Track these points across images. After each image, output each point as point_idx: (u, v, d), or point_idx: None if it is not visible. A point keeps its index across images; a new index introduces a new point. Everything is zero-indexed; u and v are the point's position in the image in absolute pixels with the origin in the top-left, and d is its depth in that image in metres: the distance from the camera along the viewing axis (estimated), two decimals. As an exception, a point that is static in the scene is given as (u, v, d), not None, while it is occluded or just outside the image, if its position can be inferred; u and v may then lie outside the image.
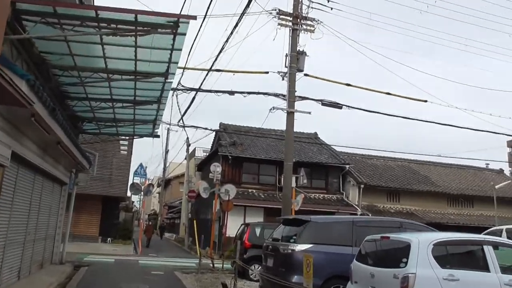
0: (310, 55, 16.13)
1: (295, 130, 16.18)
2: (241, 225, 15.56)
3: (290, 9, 16.07)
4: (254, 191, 23.02)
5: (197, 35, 15.05)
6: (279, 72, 16.31)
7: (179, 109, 37.93)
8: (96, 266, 14.18)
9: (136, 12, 6.31)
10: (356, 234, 8.02)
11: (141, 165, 24.10)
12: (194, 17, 6.42)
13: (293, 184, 16.25)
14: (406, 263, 5.57)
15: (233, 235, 17.37)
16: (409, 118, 18.37)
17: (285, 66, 16.17)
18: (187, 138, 29.90)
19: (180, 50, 7.89)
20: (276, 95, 16.65)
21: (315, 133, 28.57)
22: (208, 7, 12.40)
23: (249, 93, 17.06)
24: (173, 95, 19.19)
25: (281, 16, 16.00)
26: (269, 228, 13.25)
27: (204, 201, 23.49)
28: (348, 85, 17.30)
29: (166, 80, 9.62)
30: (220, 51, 14.41)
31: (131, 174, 25.92)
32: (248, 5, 12.97)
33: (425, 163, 29.15)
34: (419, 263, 5.48)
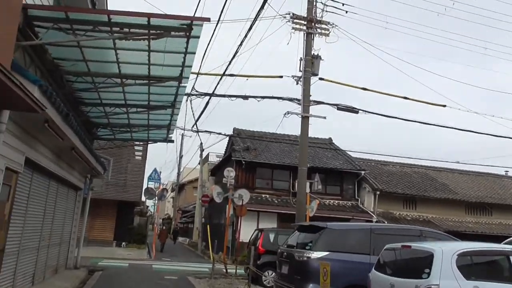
0: (325, 59, 15.98)
1: (309, 135, 15.99)
2: (255, 230, 15.41)
3: (304, 13, 15.97)
4: (267, 196, 22.85)
5: (210, 40, 15.03)
6: (293, 77, 16.15)
7: (193, 114, 38.22)
8: (110, 270, 14.20)
9: (149, 16, 6.25)
10: (374, 242, 7.80)
11: (155, 170, 24.22)
12: (208, 19, 6.32)
13: (307, 190, 16.02)
14: (428, 274, 5.33)
15: (246, 240, 17.23)
16: (427, 124, 18.05)
17: (300, 70, 16.03)
18: (201, 143, 29.95)
19: (194, 53, 7.81)
20: (291, 99, 16.49)
21: (330, 139, 28.28)
22: (221, 12, 12.33)
23: (263, 97, 16.94)
24: (187, 101, 19.26)
25: (295, 20, 15.88)
26: (283, 234, 13.10)
27: (217, 206, 23.40)
28: (365, 89, 17.05)
29: (180, 85, 9.54)
30: (234, 56, 14.33)
31: (146, 179, 26.05)
32: (262, 8, 12.84)
33: (443, 169, 28.52)
34: (443, 274, 5.24)
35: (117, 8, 18.12)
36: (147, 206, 45.62)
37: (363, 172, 24.25)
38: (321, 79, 16.42)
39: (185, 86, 9.85)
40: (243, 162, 22.57)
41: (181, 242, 40.00)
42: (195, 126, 22.35)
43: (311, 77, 15.85)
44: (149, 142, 18.76)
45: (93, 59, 8.26)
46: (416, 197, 24.51)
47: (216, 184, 26.76)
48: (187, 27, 6.51)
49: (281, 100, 17.09)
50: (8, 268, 7.33)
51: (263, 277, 12.33)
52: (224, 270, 14.83)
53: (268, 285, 12.18)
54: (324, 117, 16.21)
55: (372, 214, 22.77)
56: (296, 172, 16.20)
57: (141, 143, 22.14)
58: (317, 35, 16.12)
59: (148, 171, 26.95)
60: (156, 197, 23.08)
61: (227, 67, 16.32)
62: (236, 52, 13.63)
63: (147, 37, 6.73)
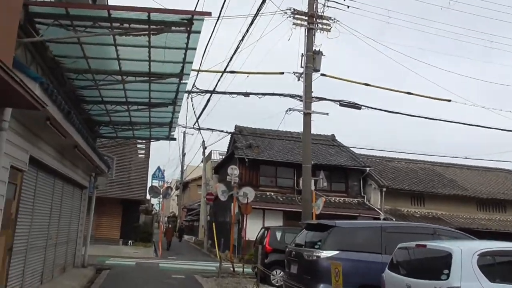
0: (326, 55, 15.81)
1: (312, 132, 15.84)
2: (261, 228, 15.26)
3: (305, 8, 15.80)
4: (272, 194, 22.70)
5: (210, 37, 15.00)
6: (294, 73, 16.01)
7: (194, 112, 38.15)
8: (117, 269, 14.15)
9: (149, 11, 6.13)
10: (386, 241, 7.56)
11: (159, 168, 24.11)
12: (209, 13, 6.20)
13: (312, 187, 15.88)
14: (448, 275, 5.06)
15: (252, 239, 17.12)
16: (431, 119, 17.81)
17: (301, 66, 15.88)
18: (203, 141, 29.84)
19: (195, 49, 7.68)
20: (292, 96, 16.34)
21: (333, 135, 28.03)
22: (222, 7, 12.21)
23: (264, 94, 16.81)
24: (188, 98, 19.14)
25: (296, 16, 15.71)
26: (290, 232, 12.94)
27: (222, 203, 23.32)
28: (367, 84, 16.89)
29: (181, 81, 9.42)
30: (235, 51, 14.22)
31: (149, 177, 26.01)
32: (263, 2, 12.69)
33: (450, 165, 28.08)
34: (464, 275, 4.95)
35: (117, 4, 18.02)
36: (152, 204, 45.67)
37: (368, 168, 24.02)
38: (322, 75, 16.27)
39: (186, 83, 9.74)
40: (246, 160, 22.43)
41: (187, 240, 40.02)
42: (196, 124, 22.23)
43: (313, 73, 15.71)
44: (151, 140, 18.67)
45: (94, 56, 8.16)
46: (424, 193, 24.16)
47: (220, 182, 26.69)
48: (188, 22, 6.39)
49: (282, 97, 16.98)
50: (16, 267, 7.31)
51: (271, 276, 12.18)
52: (231, 269, 14.72)
53: (277, 284, 12.02)
54: (327, 114, 16.09)
55: (379, 211, 22.52)
56: (300, 169, 16.07)
57: (144, 141, 22.07)
58: (318, 30, 15.95)
59: (151, 169, 26.92)
60: (161, 195, 23.01)
61: (228, 63, 16.17)
62: (237, 47, 13.50)
63: (147, 32, 6.61)
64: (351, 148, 25.84)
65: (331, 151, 25.56)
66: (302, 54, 15.42)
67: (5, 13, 4.78)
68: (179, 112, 12.25)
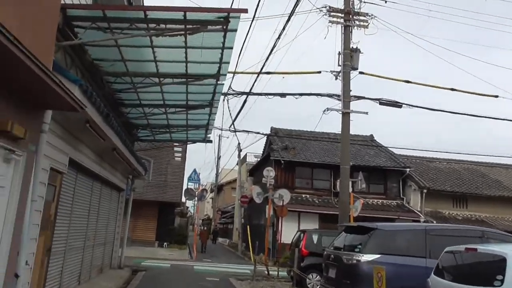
0: (364, 52, 15.40)
1: (350, 132, 15.43)
2: (297, 231, 14.99)
3: (341, 5, 15.47)
4: (308, 196, 22.40)
5: (246, 37, 14.89)
6: (332, 72, 15.68)
7: (230, 114, 38.19)
8: (153, 271, 14.29)
9: (185, 10, 6.07)
10: (430, 244, 7.23)
11: (194, 170, 24.36)
12: (245, 10, 6.06)
13: (350, 189, 15.45)
14: (502, 281, 4.72)
15: (287, 242, 16.86)
16: (476, 116, 17.15)
17: (338, 65, 15.54)
18: (238, 143, 29.96)
19: (231, 48, 7.59)
20: (330, 95, 16.00)
21: (371, 135, 27.42)
22: (256, 8, 12.06)
23: (301, 94, 16.56)
24: (224, 100, 19.12)
25: (332, 13, 15.41)
26: (327, 235, 12.63)
27: (256, 206, 23.20)
28: (408, 82, 16.28)
29: (218, 82, 9.37)
30: (271, 51, 14.15)
31: (185, 180, 26.27)
32: (298, 1, 12.47)
33: (495, 165, 26.83)
34: None
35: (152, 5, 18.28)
36: (187, 207, 46.23)
37: (408, 169, 23.27)
38: (361, 73, 15.86)
39: (223, 84, 9.70)
40: (282, 162, 22.23)
41: (221, 243, 40.21)
42: (232, 126, 22.23)
43: (351, 72, 15.36)
44: (188, 143, 18.83)
45: (131, 59, 8.23)
46: (467, 195, 23.17)
47: (254, 184, 26.59)
48: (224, 20, 6.29)
49: (319, 97, 16.68)
50: (55, 267, 7.44)
51: (307, 280, 11.91)
52: (266, 272, 14.55)
53: (312, 288, 11.76)
54: (366, 113, 15.64)
55: (419, 213, 21.77)
56: (337, 171, 15.68)
57: (180, 143, 22.28)
58: (355, 27, 15.59)
59: (187, 172, 27.20)
60: (196, 198, 23.18)
61: (264, 64, 16.07)
62: (274, 46, 13.34)
63: (183, 32, 6.56)
64: (391, 148, 25.13)
65: (370, 152, 24.97)
66: (339, 52, 15.10)
67: (44, 16, 4.83)
68: (215, 114, 12.25)
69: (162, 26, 6.43)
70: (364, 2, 15.44)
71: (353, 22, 15.32)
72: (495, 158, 29.98)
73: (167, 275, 13.68)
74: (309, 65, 21.06)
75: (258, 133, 21.60)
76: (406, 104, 16.24)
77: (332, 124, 26.95)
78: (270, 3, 13.72)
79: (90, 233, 9.80)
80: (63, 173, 6.95)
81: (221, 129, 22.69)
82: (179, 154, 26.66)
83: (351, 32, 15.33)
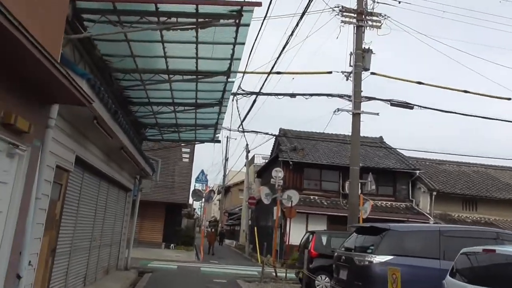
0: (376, 53, 15.23)
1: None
2: (306, 232, 14.80)
3: (354, 5, 15.33)
4: (316, 197, 22.20)
5: (257, 36, 14.73)
6: (343, 72, 15.58)
7: (239, 114, 38.20)
8: (159, 272, 14.16)
9: (197, 3, 5.94)
10: (444, 245, 7.09)
11: (202, 171, 24.16)
12: (259, 4, 5.91)
13: (359, 191, 15.27)
14: None
15: (295, 243, 16.68)
16: (488, 118, 16.79)
17: (350, 65, 15.44)
18: (247, 144, 29.83)
19: (243, 44, 7.44)
20: (341, 96, 15.85)
21: (381, 137, 27.21)
22: (269, 6, 11.90)
23: (311, 95, 16.44)
24: (233, 100, 18.99)
25: (344, 13, 15.30)
26: (336, 236, 12.45)
27: (264, 207, 23.03)
28: (420, 83, 16.09)
29: (228, 80, 9.23)
30: (282, 50, 13.95)
31: (193, 181, 26.15)
32: (310, 1, 12.30)
33: (506, 169, 26.57)
34: None
35: None
36: (194, 209, 46.10)
37: (417, 171, 23.02)
38: (373, 73, 15.73)
39: (233, 82, 9.56)
40: (291, 163, 22.06)
41: (228, 245, 40.05)
42: (241, 127, 22.08)
43: (362, 72, 15.21)
44: (196, 142, 18.70)
45: (141, 55, 8.11)
46: (476, 197, 22.92)
47: (262, 185, 26.42)
48: (237, 14, 6.14)
49: (330, 97, 16.52)
50: (60, 268, 7.27)
51: (316, 281, 11.71)
52: (274, 274, 14.37)
53: (322, 290, 11.55)
54: (377, 114, 15.52)
55: (428, 216, 21.52)
56: (345, 173, 15.52)
57: (188, 144, 22.16)
58: (368, 27, 15.47)
59: (194, 174, 27.07)
60: (204, 199, 23.04)
61: (274, 64, 15.88)
62: (286, 43, 13.25)
63: (195, 26, 6.41)
64: (400, 150, 24.88)
65: (379, 154, 24.74)
66: (351, 52, 14.99)
67: (52, 7, 4.70)
68: (225, 113, 12.12)
69: (173, 19, 6.29)
70: (378, 2, 15.31)
71: (365, 22, 15.21)
72: (507, 161, 29.57)
73: (174, 277, 13.55)
74: (320, 66, 20.95)
75: (267, 133, 21.51)
76: (418, 105, 16.04)
77: (341, 126, 26.77)
78: (280, 3, 13.54)
79: (96, 233, 9.65)
80: (69, 171, 6.79)
81: (230, 130, 22.59)
82: (187, 155, 26.56)
83: (364, 32, 15.21)
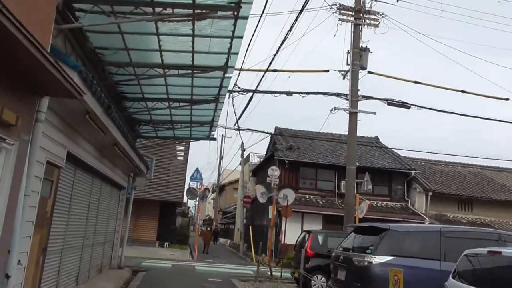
0: (373, 52, 15.14)
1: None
2: (302, 232, 14.65)
3: (352, 3, 15.22)
4: (311, 197, 22.08)
5: (253, 33, 14.53)
6: (340, 71, 15.49)
7: (234, 112, 38.13)
8: (153, 271, 13.98)
9: (194, -7, 5.71)
10: (445, 246, 6.94)
11: (197, 169, 23.92)
12: (258, -5, 5.71)
13: (355, 190, 15.15)
14: None
15: (290, 243, 16.54)
16: (486, 118, 16.72)
17: (347, 64, 15.34)
18: (242, 143, 29.60)
19: (241, 37, 7.23)
20: (337, 94, 15.73)
21: (376, 137, 27.17)
22: (266, 3, 11.72)
23: (307, 93, 16.30)
24: (229, 97, 18.78)
25: (342, 11, 15.19)
26: (332, 236, 12.35)
27: (259, 206, 22.86)
28: (417, 82, 16.00)
29: (225, 75, 9.03)
30: (279, 48, 13.84)
31: (187, 179, 25.92)
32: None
33: (501, 170, 26.61)
34: None
35: None
36: (188, 207, 45.85)
37: (413, 171, 23.00)
38: (370, 72, 15.63)
39: (230, 77, 9.37)
40: (286, 162, 21.93)
41: (222, 244, 39.88)
42: (236, 125, 21.90)
43: (360, 71, 15.11)
44: (192, 140, 18.46)
45: (135, 48, 7.88)
46: (472, 198, 22.93)
47: (258, 184, 26.25)
48: (235, 5, 5.94)
49: (326, 96, 16.39)
50: (51, 267, 7.08)
51: (312, 281, 11.56)
52: (269, 273, 14.21)
53: (318, 290, 11.40)
54: (374, 113, 15.41)
55: (424, 216, 21.48)
56: (341, 172, 15.41)
57: (183, 142, 21.91)
58: (365, 26, 15.38)
59: (189, 172, 26.83)
60: (198, 197, 22.85)
61: (271, 62, 15.70)
62: (284, 40, 13.00)
63: (191, 18, 6.19)
64: (396, 150, 24.83)
65: (375, 153, 24.68)
66: (348, 51, 14.89)
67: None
68: (221, 109, 11.93)
69: (169, 10, 6.06)
70: (376, 0, 15.22)
71: (363, 21, 15.11)
72: (502, 162, 29.58)
73: (168, 276, 13.38)
74: (316, 65, 20.80)
75: (262, 132, 21.30)
76: (415, 105, 15.95)
77: (337, 125, 26.66)
78: (276, 1, 13.36)
79: (89, 231, 9.44)
80: (60, 167, 6.57)
81: (225, 128, 22.34)
82: (182, 153, 26.33)
83: (361, 31, 15.12)
